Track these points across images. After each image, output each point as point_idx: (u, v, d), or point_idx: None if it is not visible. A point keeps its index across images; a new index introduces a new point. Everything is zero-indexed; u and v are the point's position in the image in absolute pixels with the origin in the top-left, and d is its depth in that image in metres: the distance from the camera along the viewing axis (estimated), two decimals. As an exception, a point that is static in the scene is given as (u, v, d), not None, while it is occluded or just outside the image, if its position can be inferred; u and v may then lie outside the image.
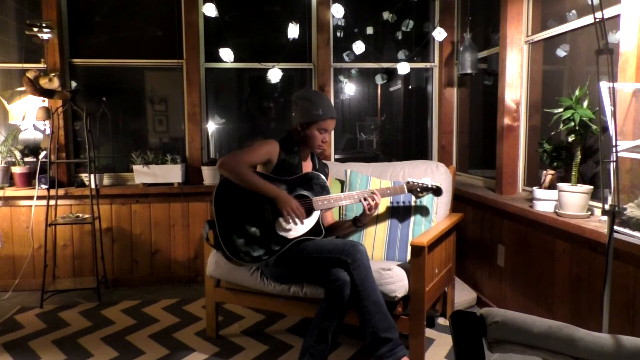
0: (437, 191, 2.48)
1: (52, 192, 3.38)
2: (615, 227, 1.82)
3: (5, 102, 3.53)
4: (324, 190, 2.40)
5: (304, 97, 2.39)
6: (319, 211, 2.37)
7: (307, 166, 2.51)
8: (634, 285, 1.89)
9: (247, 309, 3.10)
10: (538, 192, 2.46)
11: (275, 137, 2.45)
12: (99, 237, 3.51)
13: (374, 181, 2.70)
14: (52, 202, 3.40)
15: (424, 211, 2.58)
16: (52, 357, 2.51)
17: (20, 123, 3.52)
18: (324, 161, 2.68)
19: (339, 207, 2.74)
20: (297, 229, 2.31)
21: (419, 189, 2.45)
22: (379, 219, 2.60)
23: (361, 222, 2.44)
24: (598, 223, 2.11)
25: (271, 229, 2.28)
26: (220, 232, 2.25)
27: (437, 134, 3.97)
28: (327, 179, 2.58)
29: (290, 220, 2.27)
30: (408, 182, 2.46)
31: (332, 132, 3.83)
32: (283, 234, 2.29)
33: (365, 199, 2.36)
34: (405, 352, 2.12)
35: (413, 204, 2.58)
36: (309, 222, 2.34)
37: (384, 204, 2.60)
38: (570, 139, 2.28)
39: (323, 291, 2.23)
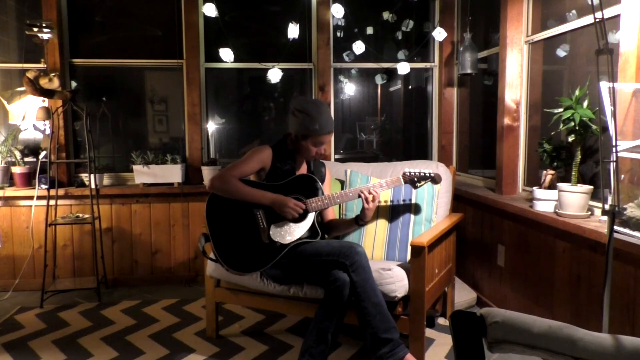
0: (435, 179, 2.45)
1: (52, 192, 3.38)
2: (615, 227, 1.82)
3: (5, 102, 3.53)
4: (316, 191, 2.39)
5: (303, 109, 2.33)
6: (314, 213, 2.36)
7: (302, 169, 2.51)
8: (634, 285, 1.89)
9: (247, 309, 3.10)
10: (538, 192, 2.45)
11: (273, 139, 2.45)
12: (99, 237, 3.51)
13: (373, 181, 2.70)
14: (52, 202, 3.40)
15: (424, 211, 2.58)
16: (52, 357, 2.51)
17: (20, 123, 3.52)
18: (321, 160, 2.67)
19: (339, 206, 2.74)
20: (293, 233, 2.31)
21: (416, 178, 2.43)
22: (379, 218, 2.59)
23: (362, 219, 2.41)
24: (598, 223, 2.11)
25: (266, 236, 2.29)
26: (216, 245, 2.27)
27: (437, 134, 3.97)
28: (324, 178, 2.58)
29: (295, 216, 2.29)
30: (404, 173, 2.44)
31: (332, 133, 3.85)
32: (278, 239, 2.29)
33: (361, 193, 2.35)
34: (405, 351, 2.12)
35: (413, 202, 2.58)
36: (305, 225, 2.34)
37: (383, 203, 2.60)
38: (570, 139, 2.28)
39: (323, 291, 2.24)
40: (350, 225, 2.50)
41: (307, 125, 2.31)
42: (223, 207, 2.32)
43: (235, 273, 2.30)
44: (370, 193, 2.33)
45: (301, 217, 2.33)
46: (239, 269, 2.27)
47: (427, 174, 2.43)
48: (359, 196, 2.35)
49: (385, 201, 2.61)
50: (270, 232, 2.30)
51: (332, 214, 2.61)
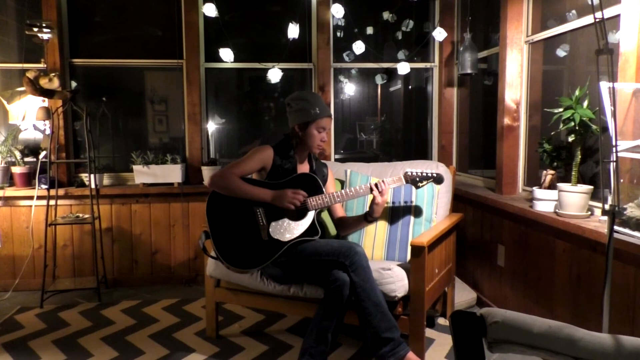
0: (437, 179, 2.44)
1: (52, 192, 3.38)
2: (615, 227, 1.82)
3: (5, 102, 3.53)
4: (317, 190, 2.39)
5: (299, 97, 2.40)
6: (314, 211, 2.37)
7: (304, 169, 2.51)
8: (634, 285, 1.89)
9: (247, 309, 3.10)
10: (538, 192, 2.45)
11: (273, 139, 2.45)
12: (99, 237, 3.51)
13: (374, 181, 2.70)
14: (52, 202, 3.40)
15: (424, 211, 2.57)
16: (52, 357, 2.51)
17: (20, 123, 3.52)
18: (322, 161, 2.68)
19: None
20: (293, 231, 2.32)
21: (418, 178, 2.43)
22: (379, 218, 2.59)
23: (371, 215, 2.41)
24: (598, 223, 2.11)
25: (265, 233, 2.29)
26: (216, 242, 2.27)
27: (437, 134, 3.97)
28: (326, 178, 2.58)
29: (298, 205, 2.29)
30: (406, 173, 2.43)
31: (332, 132, 3.86)
32: (278, 237, 2.29)
33: (374, 187, 2.35)
34: (407, 349, 2.12)
35: (413, 202, 2.58)
36: (304, 223, 2.34)
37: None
38: (570, 139, 2.28)
39: (323, 291, 2.24)
40: (359, 223, 2.51)
41: (308, 111, 2.35)
42: (223, 205, 2.32)
43: (235, 270, 2.30)
44: (377, 185, 2.34)
45: (301, 215, 2.34)
46: (239, 265, 2.27)
47: (430, 174, 2.43)
48: (371, 191, 2.36)
49: (389, 199, 2.61)
50: (270, 230, 2.30)
51: (340, 211, 2.62)
